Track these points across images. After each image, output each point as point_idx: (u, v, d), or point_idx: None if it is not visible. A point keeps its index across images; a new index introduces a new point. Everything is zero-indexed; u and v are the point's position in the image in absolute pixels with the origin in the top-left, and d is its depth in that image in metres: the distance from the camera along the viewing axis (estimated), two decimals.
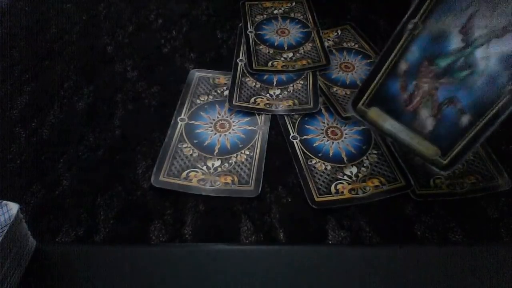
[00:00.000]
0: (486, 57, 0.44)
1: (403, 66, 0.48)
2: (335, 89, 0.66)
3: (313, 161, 0.56)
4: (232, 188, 0.52)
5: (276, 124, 0.61)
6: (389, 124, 0.50)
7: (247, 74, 0.68)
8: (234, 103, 0.63)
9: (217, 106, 0.64)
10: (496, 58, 0.43)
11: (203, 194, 0.52)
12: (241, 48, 0.73)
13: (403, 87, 0.49)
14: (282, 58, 0.71)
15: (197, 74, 0.69)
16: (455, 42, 0.45)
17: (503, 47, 0.43)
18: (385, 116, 0.50)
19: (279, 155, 0.57)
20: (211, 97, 0.65)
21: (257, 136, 0.59)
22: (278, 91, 0.66)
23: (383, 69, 0.49)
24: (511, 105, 0.43)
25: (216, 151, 0.57)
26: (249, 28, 0.77)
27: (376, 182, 0.53)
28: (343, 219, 0.49)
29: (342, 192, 0.52)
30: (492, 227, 0.49)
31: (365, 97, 0.51)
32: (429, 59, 0.47)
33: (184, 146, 0.57)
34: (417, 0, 0.46)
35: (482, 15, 0.43)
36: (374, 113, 0.51)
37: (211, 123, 0.61)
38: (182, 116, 0.62)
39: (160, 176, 0.53)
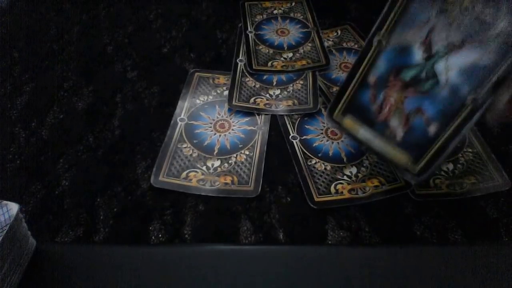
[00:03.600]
0: (447, 70, 0.45)
1: (371, 78, 0.50)
2: (334, 89, 0.66)
3: (313, 161, 0.56)
4: (232, 188, 0.52)
5: (276, 124, 0.61)
6: (363, 133, 0.52)
7: (247, 74, 0.68)
8: (233, 103, 0.63)
9: (216, 106, 0.64)
10: (456, 70, 0.45)
11: (203, 194, 0.52)
12: (241, 48, 0.73)
13: (373, 98, 0.50)
14: (282, 58, 0.71)
15: (197, 74, 0.69)
16: (418, 55, 0.47)
17: (462, 60, 0.44)
18: (358, 125, 0.52)
19: (278, 155, 0.57)
20: (210, 97, 0.65)
21: (256, 136, 0.59)
22: (277, 91, 0.66)
23: (353, 82, 0.51)
24: (473, 114, 0.44)
25: (216, 151, 0.57)
26: (249, 28, 0.77)
27: (375, 182, 0.53)
28: (342, 219, 0.49)
29: (342, 192, 0.52)
30: (491, 227, 0.49)
31: (340, 106, 0.53)
32: (395, 71, 0.49)
33: (183, 146, 0.57)
34: (380, 18, 0.48)
35: (440, 29, 0.45)
36: (349, 122, 0.53)
37: (211, 123, 0.61)
38: (182, 116, 0.62)
39: (159, 176, 0.53)
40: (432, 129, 0.47)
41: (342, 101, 0.52)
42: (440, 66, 0.46)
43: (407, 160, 0.49)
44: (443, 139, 0.46)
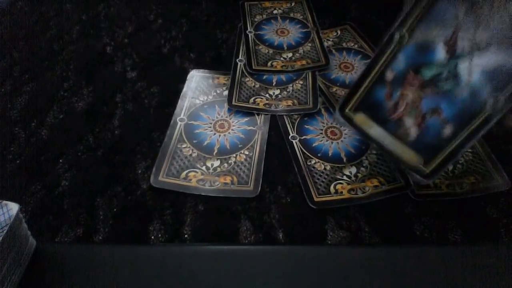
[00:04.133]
0: (469, 70, 0.44)
1: (389, 74, 0.49)
2: (334, 89, 0.66)
3: (313, 161, 0.56)
4: (232, 188, 0.52)
5: (276, 124, 0.61)
6: (375, 131, 0.51)
7: (247, 74, 0.68)
8: (233, 103, 0.63)
9: (216, 106, 0.64)
10: (479, 71, 0.44)
11: (203, 194, 0.52)
12: (241, 48, 0.73)
13: (388, 95, 0.49)
14: (282, 58, 0.71)
15: (196, 74, 0.69)
16: (440, 53, 0.46)
17: (485, 61, 0.43)
18: (371, 122, 0.51)
19: (278, 155, 0.57)
20: (210, 97, 0.65)
21: (256, 136, 0.59)
22: (277, 91, 0.66)
23: (370, 76, 0.50)
24: (493, 118, 0.43)
25: (216, 151, 0.57)
26: (248, 28, 0.77)
27: (375, 182, 0.53)
28: (342, 219, 0.49)
29: (342, 192, 0.52)
30: (491, 227, 0.49)
31: (352, 102, 0.52)
32: (414, 69, 0.48)
33: (183, 146, 0.58)
34: (405, 11, 0.46)
35: (466, 29, 0.44)
36: (360, 119, 0.52)
37: (211, 123, 0.61)
38: (182, 116, 0.62)
39: (159, 176, 0.53)
40: (448, 131, 0.46)
41: (356, 96, 0.51)
42: (463, 67, 0.45)
43: (418, 161, 0.48)
44: (458, 142, 0.46)
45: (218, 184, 0.53)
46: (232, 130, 0.60)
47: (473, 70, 0.44)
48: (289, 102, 0.63)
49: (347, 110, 0.52)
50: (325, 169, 0.55)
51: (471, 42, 0.44)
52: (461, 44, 0.44)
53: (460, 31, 0.44)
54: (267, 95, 0.65)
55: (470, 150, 0.57)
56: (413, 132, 0.48)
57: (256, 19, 0.80)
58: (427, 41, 0.46)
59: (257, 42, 0.74)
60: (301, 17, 0.80)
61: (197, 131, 0.60)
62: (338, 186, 0.53)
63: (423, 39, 0.46)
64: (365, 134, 0.52)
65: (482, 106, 0.44)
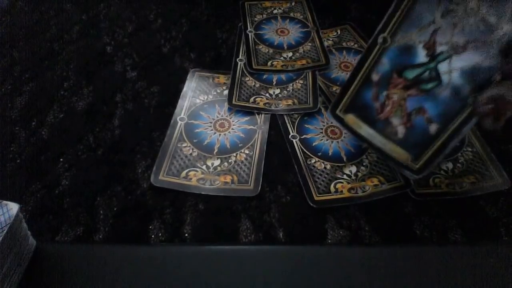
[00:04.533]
0: (449, 71, 0.46)
1: (375, 76, 0.51)
2: (334, 88, 0.66)
3: (313, 160, 0.56)
4: (232, 187, 0.52)
5: (276, 124, 0.61)
6: (364, 131, 0.52)
7: (247, 74, 0.69)
8: (233, 102, 0.63)
9: (216, 105, 0.64)
10: (459, 71, 0.45)
11: (203, 193, 0.52)
12: (241, 48, 0.73)
13: (375, 96, 0.51)
14: (282, 58, 0.71)
15: (197, 73, 0.69)
16: (420, 56, 0.47)
17: (463, 63, 0.45)
18: (360, 122, 0.52)
19: (278, 155, 0.57)
20: (210, 96, 0.65)
21: (256, 135, 0.59)
22: (277, 91, 0.66)
23: (357, 79, 0.52)
24: (473, 115, 0.45)
25: (216, 150, 0.57)
26: (248, 27, 0.77)
27: (375, 181, 0.53)
28: (342, 218, 0.49)
29: (342, 191, 0.52)
30: (491, 227, 0.49)
31: (342, 104, 0.54)
32: (398, 71, 0.49)
33: (183, 145, 0.58)
34: (386, 16, 0.48)
35: (445, 31, 0.45)
36: (351, 119, 0.53)
37: (211, 122, 0.61)
38: (182, 115, 0.62)
39: (159, 175, 0.53)
40: (433, 128, 0.48)
41: (345, 98, 0.53)
42: (443, 67, 0.46)
43: (407, 158, 0.50)
44: (443, 138, 0.47)
45: (218, 183, 0.53)
46: (232, 129, 0.60)
47: (453, 70, 0.45)
48: (289, 102, 0.63)
49: (337, 111, 0.54)
50: (325, 168, 0.55)
51: (449, 45, 0.45)
52: (439, 47, 0.46)
53: (438, 34, 0.46)
54: (267, 95, 0.65)
55: (470, 150, 0.57)
56: (400, 131, 0.50)
57: (256, 19, 0.80)
58: (408, 44, 0.48)
59: (257, 41, 0.74)
60: (301, 16, 0.80)
61: (197, 130, 0.60)
62: (338, 185, 0.53)
63: (404, 42, 0.48)
64: (356, 133, 0.53)
65: (463, 105, 0.45)
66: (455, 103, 0.46)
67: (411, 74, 0.48)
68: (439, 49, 0.46)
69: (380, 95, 0.50)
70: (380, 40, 0.49)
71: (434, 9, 0.46)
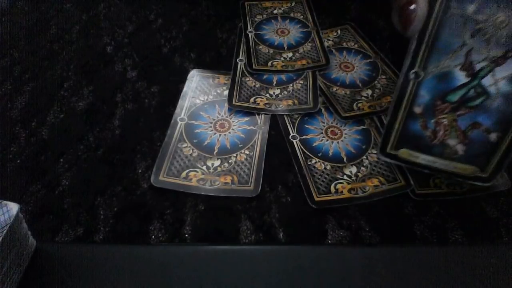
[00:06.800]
0: (495, 83, 0.45)
1: (417, 109, 0.49)
2: (335, 88, 0.66)
3: (313, 161, 0.56)
4: (232, 187, 0.52)
5: (276, 124, 0.61)
6: (422, 159, 0.51)
7: (247, 74, 0.69)
8: (233, 102, 0.63)
9: (216, 105, 0.64)
10: (504, 81, 0.44)
11: (203, 193, 0.52)
12: (241, 48, 0.73)
13: (424, 126, 0.49)
14: (282, 58, 0.71)
15: (197, 73, 0.69)
16: (460, 78, 0.46)
17: (508, 71, 0.44)
18: (415, 153, 0.51)
19: (278, 155, 0.57)
20: (211, 96, 0.65)
21: (256, 135, 0.59)
22: (277, 91, 0.66)
23: (399, 117, 0.50)
24: None
25: (216, 150, 0.57)
26: (249, 28, 0.77)
27: (375, 181, 0.53)
28: (342, 218, 0.49)
29: (342, 191, 0.52)
30: (491, 227, 0.49)
31: (390, 143, 0.52)
32: (440, 98, 0.48)
33: (183, 145, 0.58)
34: (411, 52, 0.46)
35: (478, 51, 0.44)
36: (405, 153, 0.51)
37: (211, 122, 0.61)
38: (182, 115, 0.62)
39: (159, 175, 0.53)
40: (493, 137, 0.47)
41: (392, 136, 0.51)
42: (487, 81, 0.45)
43: (473, 170, 0.49)
44: (507, 142, 0.46)
45: (218, 184, 0.53)
46: (232, 129, 0.60)
47: (498, 81, 0.44)
48: (290, 102, 0.63)
49: (388, 150, 0.52)
50: (325, 168, 0.55)
51: (488, 60, 0.44)
52: (477, 65, 0.45)
53: (472, 54, 0.45)
54: (267, 95, 0.65)
55: None
56: (460, 148, 0.49)
57: (256, 19, 0.80)
58: (443, 70, 0.46)
59: (257, 42, 0.74)
60: (301, 17, 0.80)
61: (197, 130, 0.60)
62: (339, 186, 0.53)
63: (438, 70, 0.46)
64: (415, 164, 0.52)
65: None
66: (509, 108, 0.45)
67: (454, 97, 0.47)
68: (477, 66, 0.45)
69: (429, 123, 0.49)
70: (412, 76, 0.47)
71: (460, 32, 0.44)
